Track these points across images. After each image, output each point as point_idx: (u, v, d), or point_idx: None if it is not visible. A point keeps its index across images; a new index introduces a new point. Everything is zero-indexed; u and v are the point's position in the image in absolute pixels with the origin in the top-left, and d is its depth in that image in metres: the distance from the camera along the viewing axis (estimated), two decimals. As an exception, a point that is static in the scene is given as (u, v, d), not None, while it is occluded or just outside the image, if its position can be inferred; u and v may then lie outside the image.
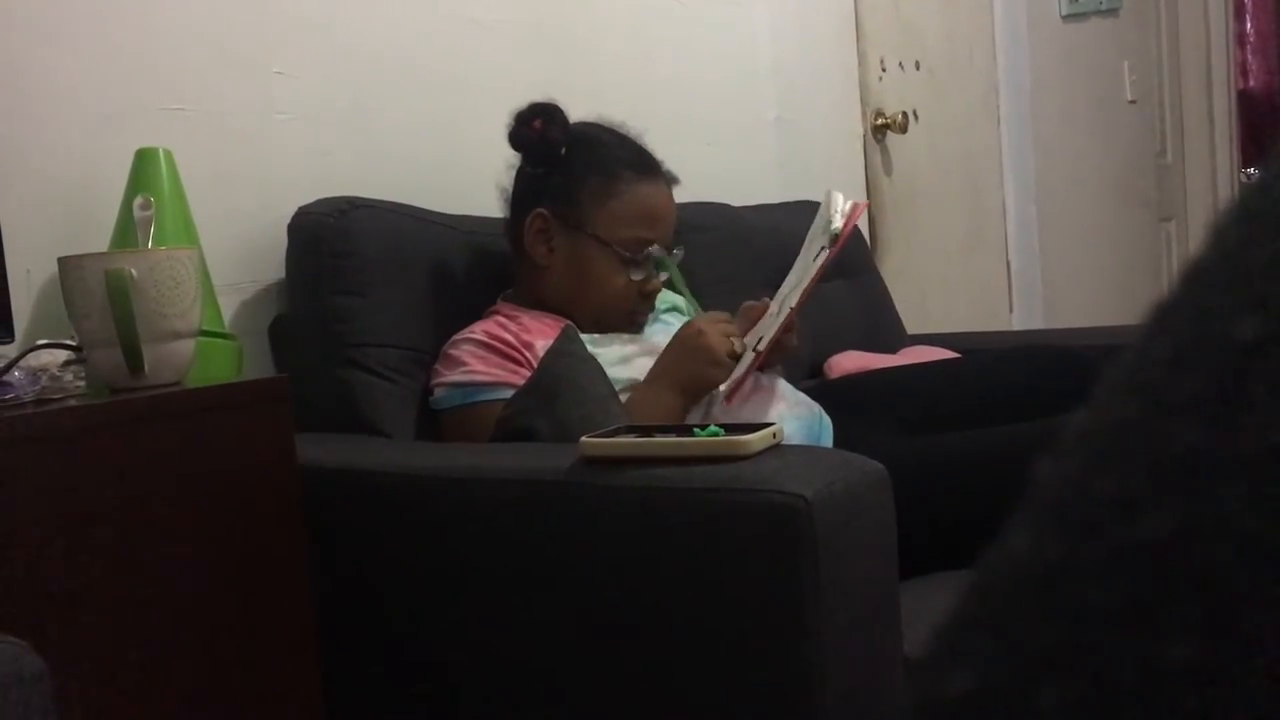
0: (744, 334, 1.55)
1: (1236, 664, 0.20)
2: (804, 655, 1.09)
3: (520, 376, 1.55)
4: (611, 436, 1.26)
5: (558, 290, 1.69)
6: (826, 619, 1.09)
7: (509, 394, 1.53)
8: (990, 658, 0.23)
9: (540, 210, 1.67)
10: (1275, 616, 0.20)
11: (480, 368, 1.56)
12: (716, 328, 1.52)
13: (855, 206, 1.54)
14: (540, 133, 1.68)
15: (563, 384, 1.45)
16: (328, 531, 1.37)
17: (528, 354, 1.58)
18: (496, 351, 1.58)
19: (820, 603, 1.09)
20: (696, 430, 1.22)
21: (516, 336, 1.60)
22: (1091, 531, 0.22)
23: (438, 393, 1.60)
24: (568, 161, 1.69)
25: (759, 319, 1.56)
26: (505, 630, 1.30)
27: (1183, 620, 0.21)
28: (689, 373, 1.51)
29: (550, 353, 1.51)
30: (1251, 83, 5.19)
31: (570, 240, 1.67)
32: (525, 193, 1.70)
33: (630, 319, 1.70)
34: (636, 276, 1.68)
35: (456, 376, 1.58)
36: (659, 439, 1.24)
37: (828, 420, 1.61)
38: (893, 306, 2.44)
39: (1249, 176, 4.91)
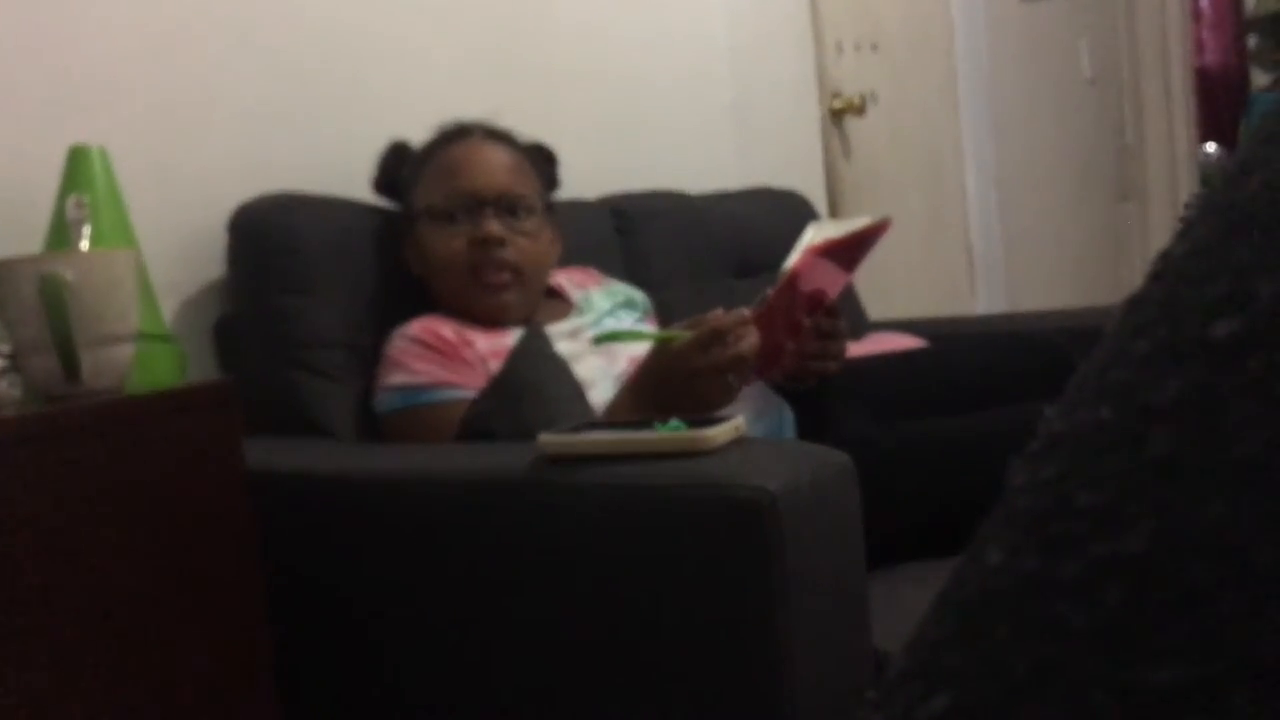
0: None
1: (1221, 690, 0.19)
2: (772, 649, 1.09)
3: (460, 375, 1.52)
4: (571, 434, 1.23)
5: (435, 290, 1.66)
6: (794, 612, 1.09)
7: (452, 394, 1.51)
8: (967, 679, 0.22)
9: (401, 228, 1.69)
10: (1261, 637, 0.19)
11: (420, 367, 1.53)
12: (710, 363, 1.34)
13: (868, 228, 1.48)
14: (382, 169, 1.73)
15: (525, 385, 1.42)
16: (280, 539, 1.34)
17: (467, 351, 1.55)
18: (436, 350, 1.54)
19: (787, 596, 1.08)
20: (657, 425, 1.20)
21: (457, 333, 1.57)
22: (1066, 545, 0.22)
23: (379, 397, 1.57)
24: (406, 175, 1.71)
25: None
26: (465, 634, 1.28)
27: (1163, 642, 0.20)
28: (679, 403, 1.34)
29: (514, 353, 1.49)
30: (1207, 59, 5.22)
31: (415, 236, 1.66)
32: (400, 226, 1.71)
33: (477, 279, 1.61)
34: (456, 229, 1.62)
35: (398, 379, 1.54)
36: (619, 435, 1.22)
37: (789, 413, 1.59)
38: (854, 293, 2.42)
39: (1206, 154, 4.95)
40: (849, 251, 1.49)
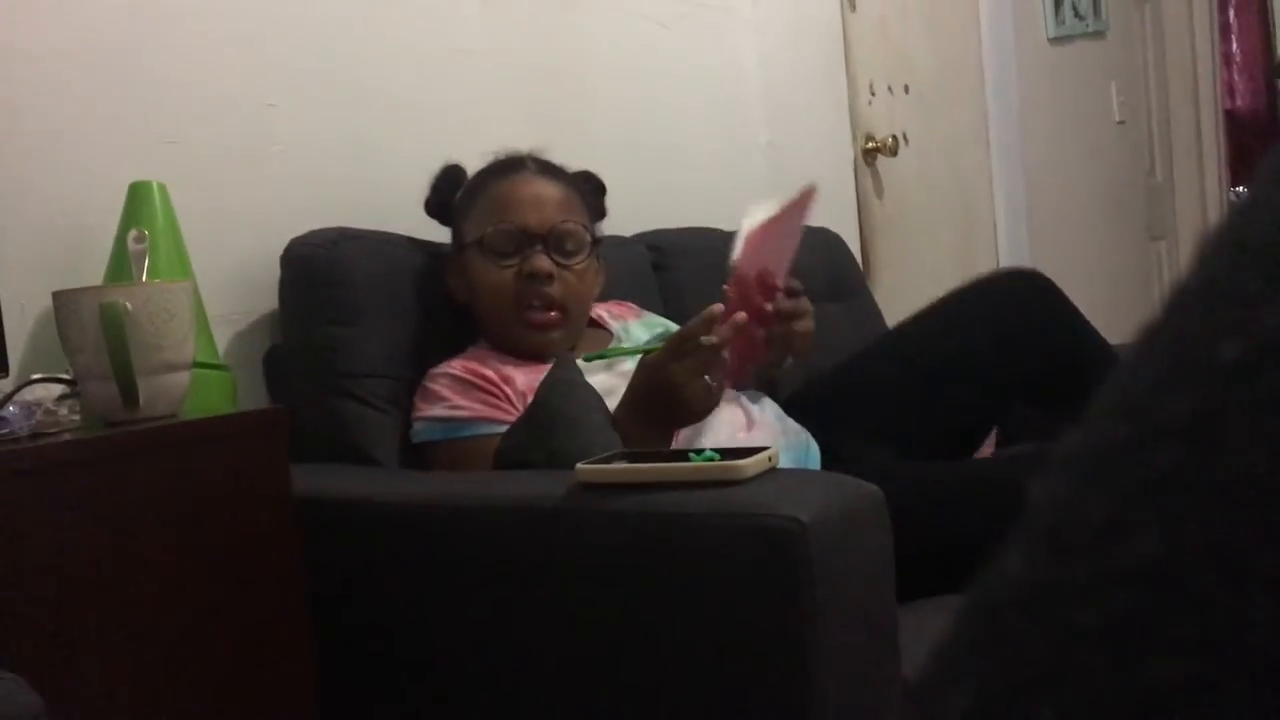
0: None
1: (1224, 685, 0.20)
2: (802, 679, 1.10)
3: (500, 411, 1.54)
4: (607, 462, 1.26)
5: (479, 319, 1.68)
6: (824, 642, 1.10)
7: (489, 429, 1.52)
8: (986, 679, 0.23)
9: (449, 255, 1.72)
10: (1261, 636, 0.21)
11: (460, 402, 1.55)
12: (686, 368, 1.39)
13: (797, 199, 1.52)
14: (435, 191, 1.75)
15: (558, 415, 1.44)
16: (325, 562, 1.37)
17: (507, 389, 1.56)
18: (475, 386, 1.56)
19: (818, 626, 1.09)
20: (692, 455, 1.22)
21: (496, 370, 1.58)
22: (1080, 553, 0.23)
23: (416, 426, 1.58)
24: (458, 203, 1.73)
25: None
26: (504, 657, 1.30)
27: (1170, 642, 0.21)
28: (668, 414, 1.43)
29: (544, 383, 1.50)
30: (1238, 102, 5.22)
31: (463, 265, 1.68)
32: (448, 252, 1.74)
33: (521, 312, 1.62)
34: (506, 263, 1.63)
35: (436, 411, 1.56)
36: (655, 464, 1.24)
37: (815, 446, 1.60)
38: (885, 328, 2.44)
39: (1238, 196, 4.93)
40: (787, 225, 1.51)
